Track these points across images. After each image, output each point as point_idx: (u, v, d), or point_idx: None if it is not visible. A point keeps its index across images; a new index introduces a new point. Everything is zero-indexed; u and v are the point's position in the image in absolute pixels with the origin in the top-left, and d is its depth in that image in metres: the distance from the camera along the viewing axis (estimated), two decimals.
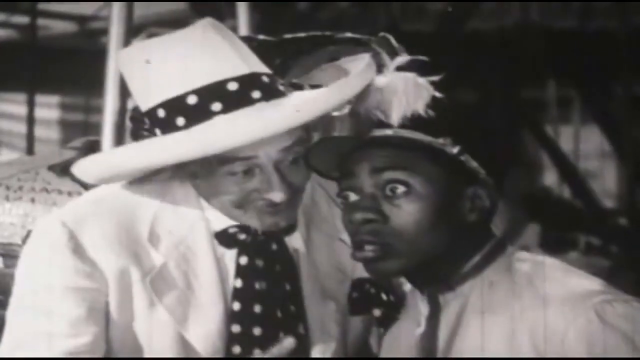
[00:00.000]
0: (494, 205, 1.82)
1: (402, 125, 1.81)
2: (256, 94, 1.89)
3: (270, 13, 5.65)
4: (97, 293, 1.92)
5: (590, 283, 1.78)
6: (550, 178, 7.06)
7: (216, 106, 1.88)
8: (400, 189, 1.78)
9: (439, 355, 1.81)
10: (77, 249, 1.92)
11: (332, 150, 1.86)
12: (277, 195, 1.90)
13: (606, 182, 6.98)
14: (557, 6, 6.42)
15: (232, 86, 1.88)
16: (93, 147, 2.47)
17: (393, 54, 1.89)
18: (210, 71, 1.88)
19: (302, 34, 2.20)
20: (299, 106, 1.86)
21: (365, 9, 6.26)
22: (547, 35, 6.35)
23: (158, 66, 1.91)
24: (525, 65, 6.19)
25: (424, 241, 1.78)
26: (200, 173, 1.92)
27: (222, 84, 1.88)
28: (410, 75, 1.85)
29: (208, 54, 1.90)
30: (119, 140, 2.71)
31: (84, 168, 1.97)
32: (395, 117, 1.81)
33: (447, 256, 1.81)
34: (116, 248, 1.92)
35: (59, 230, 1.93)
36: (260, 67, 1.93)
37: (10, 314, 1.94)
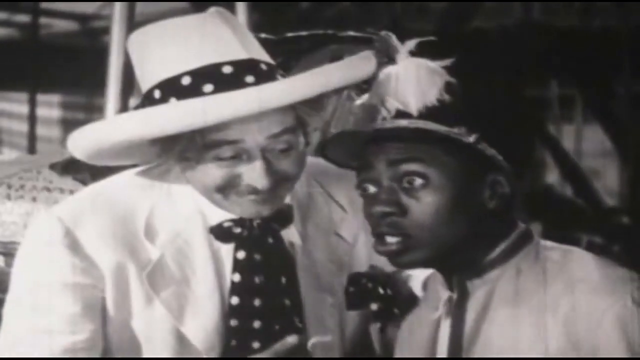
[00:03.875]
0: (515, 191, 1.82)
1: (419, 115, 1.80)
2: (250, 79, 1.88)
3: (272, 12, 5.65)
4: (94, 289, 1.92)
5: (622, 270, 1.79)
6: (552, 177, 7.05)
7: (208, 87, 1.87)
8: (418, 181, 1.78)
9: (465, 342, 1.81)
10: (73, 245, 1.91)
11: (349, 143, 1.85)
12: (260, 182, 1.89)
13: (608, 180, 6.98)
14: (559, 5, 6.41)
15: (227, 69, 1.88)
16: None
17: (395, 52, 1.88)
18: (209, 54, 1.88)
19: (304, 33, 2.20)
20: (285, 88, 1.86)
21: (367, 8, 6.26)
22: (549, 34, 6.34)
23: (160, 48, 1.91)
24: (527, 64, 6.18)
25: (444, 231, 1.78)
26: (188, 156, 1.91)
27: (217, 66, 1.88)
28: (422, 61, 1.84)
29: (209, 38, 1.90)
30: None
31: (74, 141, 1.94)
32: (414, 106, 1.80)
33: (472, 244, 1.81)
34: (112, 243, 1.92)
35: (54, 226, 1.92)
36: (262, 56, 1.93)
37: (7, 310, 1.94)
